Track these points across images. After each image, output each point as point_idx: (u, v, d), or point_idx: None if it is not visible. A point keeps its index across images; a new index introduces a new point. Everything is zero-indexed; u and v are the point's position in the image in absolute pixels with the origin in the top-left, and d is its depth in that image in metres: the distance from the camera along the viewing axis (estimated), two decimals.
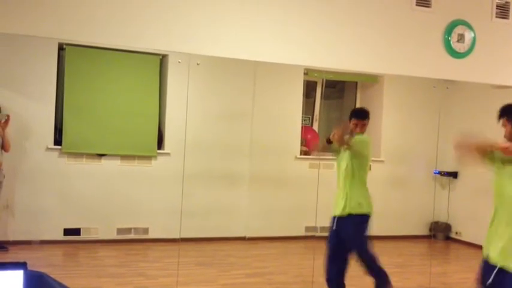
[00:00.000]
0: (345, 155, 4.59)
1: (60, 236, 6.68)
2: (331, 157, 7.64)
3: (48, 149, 6.66)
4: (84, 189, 6.78)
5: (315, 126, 8.16)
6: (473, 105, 7.90)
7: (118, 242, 6.85)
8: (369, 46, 4.86)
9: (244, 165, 7.46)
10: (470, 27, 5.17)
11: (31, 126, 6.59)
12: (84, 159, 6.81)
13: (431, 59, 5.11)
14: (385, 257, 4.86)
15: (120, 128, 6.92)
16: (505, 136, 3.46)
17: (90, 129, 6.80)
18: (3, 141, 6.16)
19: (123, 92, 6.97)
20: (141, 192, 7.02)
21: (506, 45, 5.39)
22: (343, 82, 8.45)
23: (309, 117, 8.14)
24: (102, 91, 6.87)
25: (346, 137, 4.44)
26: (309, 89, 8.05)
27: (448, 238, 8.19)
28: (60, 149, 6.69)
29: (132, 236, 7.00)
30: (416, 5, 4.98)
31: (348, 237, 4.49)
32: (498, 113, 3.49)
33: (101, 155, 6.87)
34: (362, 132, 4.59)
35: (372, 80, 8.14)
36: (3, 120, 6.15)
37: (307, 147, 7.87)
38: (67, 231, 6.72)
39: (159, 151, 7.11)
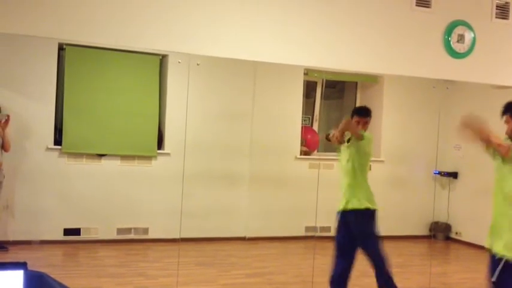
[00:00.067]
0: (347, 152, 4.60)
1: (60, 236, 6.68)
2: (331, 157, 7.69)
3: (48, 149, 6.66)
4: (84, 189, 6.78)
5: (315, 127, 8.16)
6: (473, 105, 7.89)
7: (118, 242, 6.85)
8: (368, 46, 4.86)
9: (244, 166, 7.46)
10: (470, 27, 5.17)
11: (31, 126, 6.59)
12: (84, 159, 6.81)
13: (431, 59, 5.11)
14: None
15: (120, 128, 6.92)
16: (506, 133, 3.49)
17: (90, 129, 6.80)
18: (3, 141, 6.16)
19: (123, 92, 6.97)
20: (141, 192, 7.02)
21: (506, 46, 5.39)
22: (343, 82, 8.46)
23: (309, 118, 8.14)
24: (102, 91, 6.87)
25: (360, 131, 4.48)
26: (309, 89, 8.05)
27: (448, 238, 8.19)
28: (60, 149, 6.69)
29: (132, 236, 7.00)
30: (416, 5, 4.98)
31: (356, 232, 4.53)
32: (502, 110, 3.52)
33: (101, 155, 6.87)
34: (364, 130, 4.61)
35: (372, 80, 8.15)
36: (3, 120, 6.15)
37: (307, 148, 7.87)
38: (67, 231, 6.72)
39: (159, 151, 7.11)
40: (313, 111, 8.18)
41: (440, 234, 8.17)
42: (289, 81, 7.63)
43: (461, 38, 5.13)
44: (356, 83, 8.38)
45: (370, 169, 4.75)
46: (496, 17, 5.29)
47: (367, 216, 4.53)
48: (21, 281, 1.95)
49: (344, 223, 4.64)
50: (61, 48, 6.69)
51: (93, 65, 6.81)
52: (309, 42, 4.65)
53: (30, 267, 2.04)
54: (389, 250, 4.67)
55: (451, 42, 5.10)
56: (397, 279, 4.62)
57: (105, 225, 6.86)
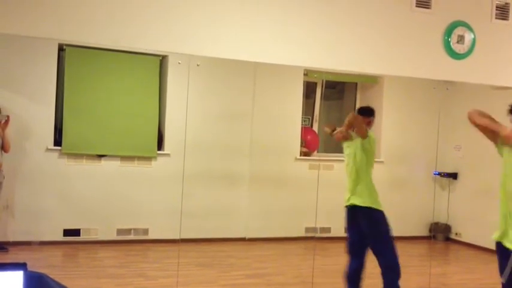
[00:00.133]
0: (351, 150, 4.62)
1: (60, 236, 6.68)
2: (331, 158, 7.69)
3: (48, 149, 6.66)
4: (84, 190, 6.78)
5: (315, 127, 8.16)
6: (473, 106, 7.80)
7: (118, 242, 6.85)
8: (368, 47, 4.86)
9: (244, 166, 7.46)
10: (470, 28, 5.17)
11: (31, 127, 6.59)
12: (84, 160, 6.81)
13: (431, 60, 5.11)
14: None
15: (120, 128, 6.92)
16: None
17: (90, 130, 6.80)
18: (3, 142, 6.16)
19: (123, 92, 6.97)
20: (141, 193, 7.02)
21: (506, 46, 5.39)
22: (343, 83, 8.46)
23: (309, 118, 8.14)
24: (102, 92, 6.87)
25: (364, 126, 4.53)
26: (309, 89, 8.06)
27: (447, 239, 8.19)
28: (60, 150, 6.69)
29: (132, 236, 7.00)
30: (416, 6, 4.98)
31: (366, 231, 4.56)
32: (508, 109, 3.52)
33: (100, 156, 6.87)
34: (367, 129, 4.63)
35: (372, 81, 8.15)
36: (3, 121, 6.15)
37: (307, 148, 7.88)
38: (67, 232, 6.72)
39: (159, 152, 7.11)
40: (313, 112, 8.18)
41: (440, 235, 8.17)
42: (289, 82, 7.64)
43: (461, 38, 5.13)
44: (356, 83, 8.38)
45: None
46: (496, 18, 5.29)
47: (375, 216, 4.54)
48: (21, 282, 1.95)
49: (352, 219, 4.65)
50: (61, 49, 6.69)
51: (93, 66, 6.81)
52: (309, 43, 4.66)
53: (30, 268, 2.04)
54: None
55: (451, 43, 5.10)
56: None
57: (105, 226, 6.86)
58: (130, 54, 6.78)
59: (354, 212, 4.62)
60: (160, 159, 7.11)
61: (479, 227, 7.69)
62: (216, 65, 6.85)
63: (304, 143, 7.84)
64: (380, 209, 4.56)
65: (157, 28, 4.18)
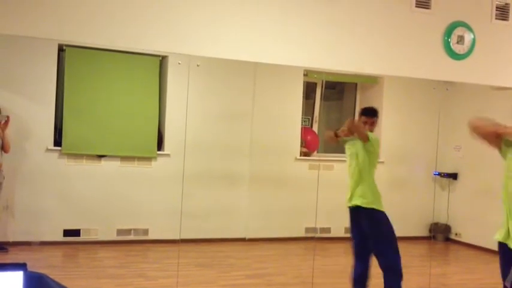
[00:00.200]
0: (352, 150, 4.61)
1: (60, 237, 6.68)
2: (330, 158, 7.69)
3: (48, 150, 6.66)
4: (84, 190, 6.78)
5: (315, 128, 8.16)
6: (473, 106, 7.89)
7: (118, 243, 6.85)
8: (368, 47, 4.87)
9: (244, 166, 7.46)
10: (470, 28, 5.18)
11: (31, 128, 6.59)
12: (84, 160, 6.81)
13: (431, 61, 5.11)
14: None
15: (120, 129, 6.92)
16: None
17: (90, 130, 6.80)
18: (3, 142, 6.16)
19: (123, 93, 6.97)
20: (141, 193, 7.02)
21: (505, 47, 5.39)
22: (343, 83, 8.46)
23: (309, 119, 8.14)
24: (102, 92, 6.87)
25: (364, 131, 4.53)
26: (309, 90, 8.06)
27: (447, 239, 8.19)
28: (60, 150, 6.69)
29: (132, 237, 7.00)
30: (416, 6, 4.98)
31: (368, 232, 4.57)
32: None
33: (100, 156, 6.88)
34: (371, 130, 4.65)
35: (372, 81, 8.15)
36: (3, 121, 6.15)
37: (307, 148, 7.88)
38: (67, 232, 6.72)
39: (159, 152, 7.11)
40: (313, 112, 8.18)
41: (440, 235, 8.17)
42: (289, 82, 7.64)
43: (461, 39, 5.14)
44: (356, 84, 8.38)
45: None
46: (496, 18, 5.30)
47: (376, 216, 4.54)
48: (21, 282, 1.95)
49: (354, 220, 4.66)
50: (61, 49, 6.70)
51: (93, 66, 6.81)
52: (308, 43, 4.66)
53: (30, 268, 2.04)
54: None
55: (451, 44, 5.10)
56: None
57: (105, 226, 6.86)
58: (130, 55, 6.78)
59: (356, 212, 4.62)
60: (160, 160, 7.11)
61: (479, 227, 7.69)
62: (216, 65, 6.85)
63: (304, 143, 7.84)
64: (382, 209, 4.55)
65: (157, 28, 4.18)
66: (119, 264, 6.12)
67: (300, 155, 7.77)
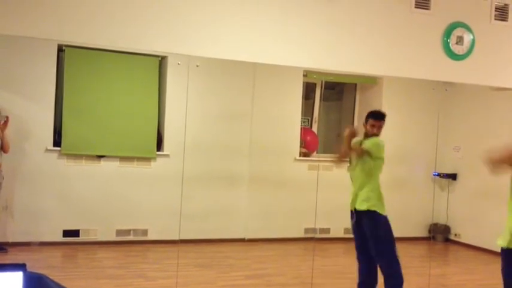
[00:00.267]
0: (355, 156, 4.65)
1: (59, 237, 6.67)
2: (330, 159, 7.68)
3: (47, 150, 6.66)
4: (84, 191, 6.77)
5: (314, 128, 8.16)
6: (472, 107, 7.91)
7: (117, 243, 6.84)
8: (368, 48, 4.87)
9: (244, 167, 7.46)
10: (469, 29, 5.18)
11: (30, 128, 6.59)
12: (83, 161, 6.81)
13: (430, 61, 5.12)
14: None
15: (120, 129, 6.92)
16: None
17: (90, 130, 6.80)
18: (2, 143, 6.16)
19: (123, 93, 6.97)
20: (140, 193, 7.01)
21: (505, 48, 5.40)
22: (343, 84, 8.46)
23: (308, 119, 8.14)
24: (102, 93, 6.87)
25: (356, 145, 4.57)
26: (308, 90, 8.06)
27: (447, 240, 8.19)
28: (59, 151, 6.68)
29: (131, 237, 6.99)
30: (416, 7, 4.99)
31: (368, 234, 4.59)
32: None
33: (100, 157, 6.87)
34: (378, 133, 4.63)
35: (371, 81, 8.15)
36: (2, 122, 6.14)
37: (307, 149, 7.88)
38: (66, 233, 6.71)
39: (158, 152, 7.11)
40: (313, 113, 8.18)
41: (439, 235, 8.17)
42: (288, 83, 7.64)
43: (460, 39, 5.14)
44: (355, 84, 8.38)
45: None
46: (495, 19, 5.30)
47: (377, 219, 4.55)
48: (20, 283, 1.95)
49: (355, 223, 4.68)
50: (60, 49, 6.70)
51: (92, 67, 6.81)
52: (308, 44, 4.66)
53: (29, 268, 2.04)
54: None
55: (450, 44, 5.11)
56: None
57: (104, 226, 6.86)
58: (129, 55, 6.78)
59: (358, 216, 4.63)
60: (159, 160, 7.11)
61: (478, 227, 7.69)
62: (216, 65, 6.85)
63: (303, 143, 7.84)
64: (384, 213, 4.58)
65: (157, 29, 4.18)
66: (118, 264, 6.11)
67: (300, 156, 7.77)
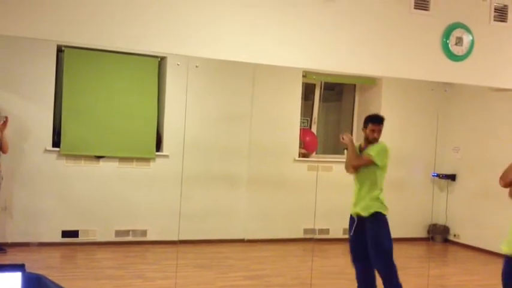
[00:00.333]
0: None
1: (58, 238, 6.67)
2: (329, 159, 7.70)
3: (46, 151, 6.65)
4: (83, 191, 6.77)
5: (314, 129, 8.17)
6: (472, 107, 7.91)
7: (116, 244, 6.84)
8: (367, 49, 4.87)
9: (243, 167, 7.46)
10: (468, 30, 5.18)
11: (29, 128, 6.59)
12: (82, 161, 6.80)
13: (430, 62, 5.12)
14: None
15: (119, 130, 6.91)
16: None
17: (89, 131, 6.80)
18: (1, 143, 6.15)
19: (122, 94, 6.97)
20: (139, 194, 7.01)
21: (504, 48, 5.40)
22: (342, 84, 8.46)
23: (308, 120, 8.14)
24: (101, 93, 6.87)
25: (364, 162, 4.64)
26: (308, 91, 8.06)
27: (446, 240, 8.19)
28: (58, 151, 6.68)
29: (130, 238, 6.99)
30: (415, 8, 4.99)
31: (369, 231, 4.63)
32: None
33: (99, 157, 6.87)
34: (378, 137, 4.69)
35: (371, 82, 8.16)
36: (1, 122, 6.14)
37: (306, 150, 7.88)
38: (65, 233, 6.71)
39: (157, 153, 7.10)
40: (312, 114, 8.18)
41: (438, 236, 8.17)
42: (287, 84, 7.64)
43: (459, 40, 5.14)
44: (354, 85, 8.39)
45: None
46: (495, 20, 5.30)
47: (379, 218, 4.61)
48: (19, 283, 1.95)
49: (355, 228, 4.72)
50: (60, 50, 6.69)
51: (91, 67, 6.81)
52: (307, 45, 4.66)
53: (28, 269, 2.03)
54: None
55: (450, 45, 5.11)
56: None
57: (103, 227, 6.85)
58: (129, 56, 6.78)
59: (360, 221, 4.64)
60: (158, 161, 7.10)
61: (477, 228, 7.69)
62: (215, 66, 6.85)
63: (302, 144, 7.84)
64: (385, 214, 4.63)
65: (156, 29, 4.18)
66: (117, 265, 6.11)
67: (299, 156, 7.77)
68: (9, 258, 5.89)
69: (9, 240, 6.41)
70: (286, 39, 4.57)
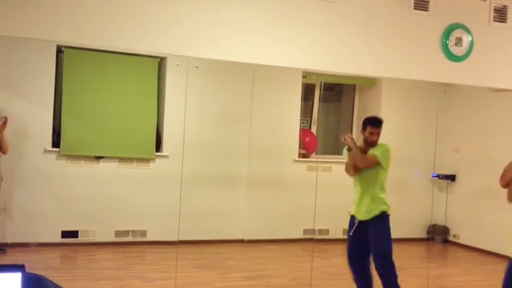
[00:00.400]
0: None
1: (58, 238, 6.67)
2: (329, 160, 7.70)
3: (46, 151, 6.65)
4: (82, 192, 6.77)
5: (313, 129, 8.17)
6: (471, 108, 7.92)
7: (116, 244, 6.84)
8: (367, 49, 4.87)
9: (243, 168, 7.46)
10: (468, 30, 5.19)
11: (29, 129, 6.59)
12: (82, 162, 6.80)
13: (429, 62, 5.12)
14: None
15: (118, 130, 6.91)
16: None
17: (88, 131, 6.80)
18: (1, 144, 6.14)
19: (122, 94, 6.97)
20: (139, 194, 7.01)
21: (504, 49, 5.40)
22: (342, 85, 8.47)
23: (307, 120, 8.15)
24: (101, 93, 6.87)
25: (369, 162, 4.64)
26: (307, 91, 8.06)
27: (446, 241, 8.19)
28: (58, 152, 6.68)
29: (130, 238, 6.99)
30: (415, 8, 4.99)
31: (372, 230, 4.66)
32: None
33: (99, 158, 6.87)
34: (377, 139, 4.70)
35: (370, 83, 8.16)
36: (1, 122, 6.13)
37: (306, 150, 7.88)
38: (65, 234, 6.71)
39: (157, 153, 7.10)
40: (312, 114, 8.19)
41: (438, 236, 8.17)
42: (287, 84, 7.64)
43: (459, 41, 5.15)
44: (354, 85, 8.39)
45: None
46: (494, 20, 5.31)
47: (383, 217, 4.65)
48: (19, 284, 1.95)
49: (355, 229, 4.75)
50: (59, 50, 6.69)
51: (91, 68, 6.81)
52: (307, 45, 4.66)
53: (28, 269, 2.03)
54: None
55: (449, 45, 5.11)
56: None
57: (103, 227, 6.85)
58: (128, 56, 6.78)
59: (362, 223, 4.65)
60: (158, 161, 7.10)
61: (477, 228, 7.69)
62: (215, 66, 6.84)
63: (302, 144, 7.84)
64: (389, 213, 4.68)
65: (156, 30, 4.18)
66: (117, 265, 6.11)
67: (299, 157, 7.77)
68: (9, 258, 5.88)
69: (9, 241, 6.41)
70: (286, 39, 4.58)
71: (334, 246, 7.34)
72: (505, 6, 5.34)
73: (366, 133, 4.67)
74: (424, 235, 8.21)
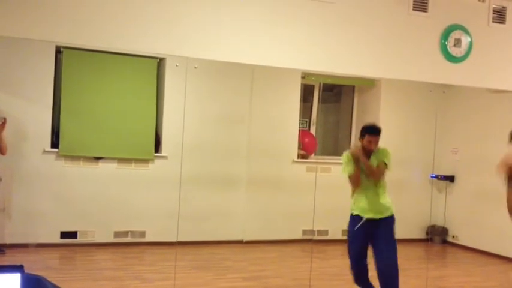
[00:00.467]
0: (374, 162, 4.73)
1: (56, 239, 6.66)
2: (328, 161, 7.70)
3: (45, 152, 6.65)
4: (81, 192, 6.77)
5: (312, 130, 8.17)
6: (470, 109, 7.92)
7: (115, 245, 6.84)
8: (366, 50, 4.88)
9: (242, 169, 7.46)
10: (467, 31, 5.19)
11: (28, 129, 6.58)
12: (81, 162, 6.80)
13: (428, 64, 5.13)
14: None
15: (117, 131, 6.91)
16: None
17: (87, 132, 6.79)
18: (0, 144, 6.15)
19: (121, 95, 6.97)
20: (138, 195, 7.01)
21: (502, 50, 5.41)
22: (341, 86, 8.47)
23: (306, 121, 8.15)
24: (100, 94, 6.87)
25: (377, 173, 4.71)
26: (306, 92, 8.07)
27: (444, 242, 8.19)
28: (57, 152, 6.68)
29: (129, 239, 6.99)
30: (413, 9, 5.00)
31: (382, 233, 4.76)
32: (509, 137, 3.56)
33: (98, 158, 6.87)
34: (375, 148, 4.71)
35: (369, 84, 8.16)
36: (0, 123, 6.13)
37: (305, 151, 7.88)
38: (64, 234, 6.70)
39: (156, 154, 7.10)
40: (311, 115, 8.19)
41: (437, 237, 8.17)
42: (286, 85, 7.64)
43: (458, 42, 5.15)
44: (353, 86, 8.40)
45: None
46: (493, 22, 5.32)
47: (391, 221, 4.79)
48: (18, 284, 1.95)
49: (364, 230, 4.78)
50: (58, 51, 6.69)
51: (90, 68, 6.81)
52: (306, 46, 4.67)
53: (27, 270, 2.03)
54: None
55: (448, 47, 5.12)
56: None
57: (102, 228, 6.85)
58: (127, 57, 6.78)
59: (372, 223, 4.67)
60: (157, 162, 7.10)
61: (476, 229, 7.70)
62: (214, 67, 6.85)
63: (301, 145, 7.84)
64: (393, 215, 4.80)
65: (155, 30, 4.18)
66: (115, 266, 6.11)
67: (298, 158, 7.77)
68: (8, 259, 5.88)
69: (8, 241, 6.41)
70: (285, 40, 4.58)
71: (333, 247, 7.34)
72: (503, 7, 5.35)
73: (364, 141, 4.67)
74: (423, 236, 8.21)
